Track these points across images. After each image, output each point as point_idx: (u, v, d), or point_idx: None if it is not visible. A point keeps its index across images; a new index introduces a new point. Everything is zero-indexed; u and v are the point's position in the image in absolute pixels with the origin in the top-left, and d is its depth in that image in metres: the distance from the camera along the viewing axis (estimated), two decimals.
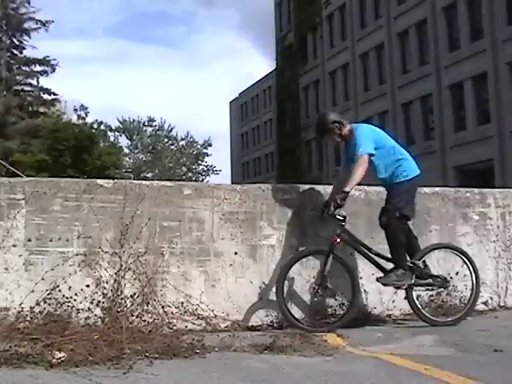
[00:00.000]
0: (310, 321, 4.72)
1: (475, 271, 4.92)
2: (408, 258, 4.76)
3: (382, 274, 4.70)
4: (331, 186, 5.14)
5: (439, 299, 5.24)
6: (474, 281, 4.92)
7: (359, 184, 4.81)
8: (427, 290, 4.92)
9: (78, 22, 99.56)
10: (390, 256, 4.76)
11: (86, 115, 44.42)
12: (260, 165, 58.25)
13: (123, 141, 53.02)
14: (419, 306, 4.79)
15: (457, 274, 5.40)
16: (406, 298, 4.82)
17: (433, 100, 31.31)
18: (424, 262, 4.84)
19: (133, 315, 4.29)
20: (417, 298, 4.91)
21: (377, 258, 4.77)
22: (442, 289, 4.98)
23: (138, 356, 3.43)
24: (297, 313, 4.79)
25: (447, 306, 5.21)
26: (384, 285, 4.74)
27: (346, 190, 4.59)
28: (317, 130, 5.04)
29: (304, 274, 4.89)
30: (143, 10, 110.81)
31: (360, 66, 37.82)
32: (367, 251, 4.78)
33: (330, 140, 4.99)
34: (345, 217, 4.67)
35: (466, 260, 4.96)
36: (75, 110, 44.56)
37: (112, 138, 49.60)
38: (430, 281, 4.84)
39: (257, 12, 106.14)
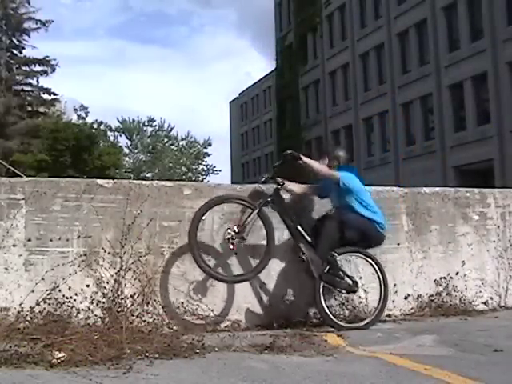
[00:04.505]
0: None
1: (383, 276, 4.78)
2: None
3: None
4: None
5: (439, 299, 5.26)
6: (383, 286, 4.77)
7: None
8: (336, 289, 4.73)
9: (78, 22, 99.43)
10: (310, 240, 4.68)
11: (86, 115, 44.42)
12: (260, 165, 58.21)
13: (123, 141, 53.04)
14: (324, 305, 4.60)
15: (457, 273, 5.41)
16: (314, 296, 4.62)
17: (433, 100, 31.29)
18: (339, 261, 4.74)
19: (133, 315, 4.29)
20: (417, 298, 4.90)
21: (300, 235, 4.69)
22: (351, 293, 4.80)
23: (138, 356, 3.43)
24: (297, 312, 4.80)
25: (447, 306, 5.22)
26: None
27: (302, 156, 4.64)
28: (321, 149, 5.04)
29: (302, 275, 4.89)
30: (139, 9, 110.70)
31: (360, 66, 37.80)
32: (294, 224, 4.70)
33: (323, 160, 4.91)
34: (283, 183, 4.71)
35: (375, 265, 4.81)
36: (75, 109, 44.57)
37: (112, 138, 49.62)
38: (338, 279, 4.67)
39: (255, 11, 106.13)
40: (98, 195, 4.50)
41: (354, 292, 4.79)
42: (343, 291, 4.77)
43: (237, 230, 4.47)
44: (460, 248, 5.51)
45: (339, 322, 4.63)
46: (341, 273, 4.72)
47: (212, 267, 4.56)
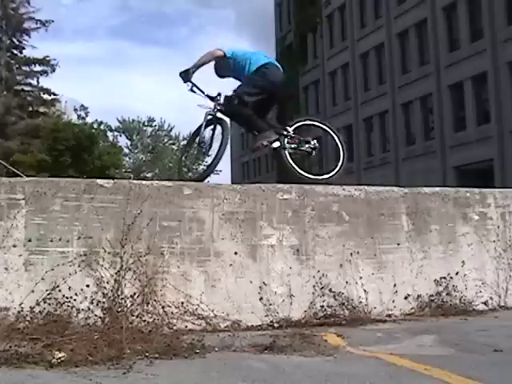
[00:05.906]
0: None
1: (340, 141, 5.75)
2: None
3: None
4: (331, 186, 5.15)
5: (439, 299, 5.26)
6: (341, 148, 5.72)
7: (359, 184, 5.11)
8: (298, 148, 5.62)
9: (78, 22, 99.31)
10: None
11: (86, 115, 44.44)
12: (260, 165, 58.22)
13: (123, 141, 52.97)
14: (291, 162, 5.46)
15: (457, 273, 5.41)
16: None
17: (433, 100, 31.33)
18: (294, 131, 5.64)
19: (133, 315, 4.28)
20: (417, 298, 4.92)
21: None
22: (314, 150, 5.65)
23: (138, 356, 3.43)
24: (297, 312, 4.80)
25: (447, 306, 5.23)
26: (256, 148, 5.68)
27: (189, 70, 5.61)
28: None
29: (304, 274, 4.89)
30: (139, 9, 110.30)
31: (360, 66, 37.84)
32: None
33: None
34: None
35: (330, 130, 5.79)
36: (75, 109, 44.59)
37: (112, 138, 49.56)
38: (299, 143, 5.61)
39: (255, 12, 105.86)
40: (97, 195, 4.50)
41: (315, 147, 5.62)
42: (306, 149, 5.63)
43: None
44: (460, 248, 5.51)
45: (302, 172, 5.41)
46: (299, 139, 5.61)
47: None
